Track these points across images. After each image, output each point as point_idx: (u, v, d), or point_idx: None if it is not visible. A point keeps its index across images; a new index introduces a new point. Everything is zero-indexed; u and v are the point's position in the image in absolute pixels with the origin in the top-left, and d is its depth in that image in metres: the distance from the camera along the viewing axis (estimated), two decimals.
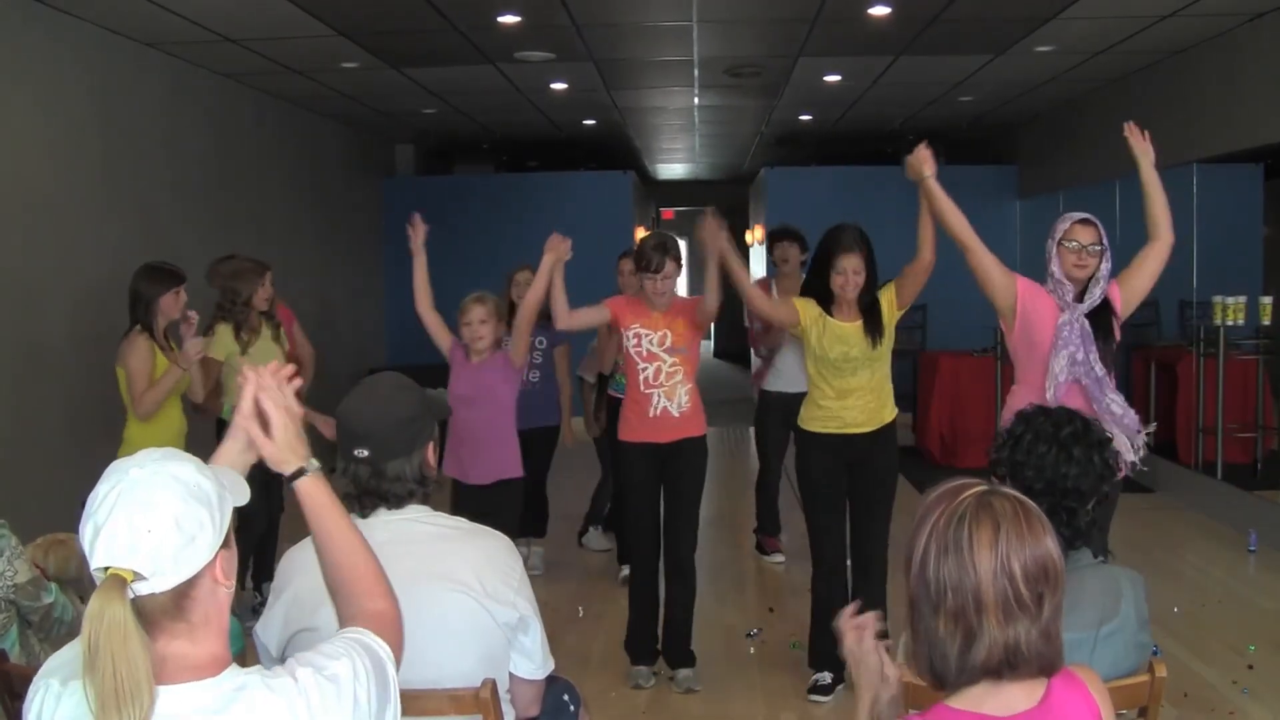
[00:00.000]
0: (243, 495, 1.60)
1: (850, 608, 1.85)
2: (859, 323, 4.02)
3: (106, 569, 1.38)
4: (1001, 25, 6.52)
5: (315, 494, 1.74)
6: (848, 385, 4.06)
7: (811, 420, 4.17)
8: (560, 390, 5.75)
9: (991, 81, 8.24)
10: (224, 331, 4.87)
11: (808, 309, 4.07)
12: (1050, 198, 9.77)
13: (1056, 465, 2.23)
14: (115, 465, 1.47)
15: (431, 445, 2.18)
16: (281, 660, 2.05)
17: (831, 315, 4.04)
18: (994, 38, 6.86)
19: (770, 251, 5.89)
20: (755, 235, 13.43)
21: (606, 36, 6.83)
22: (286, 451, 1.75)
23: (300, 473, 1.74)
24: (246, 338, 4.89)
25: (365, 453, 2.09)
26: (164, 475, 1.44)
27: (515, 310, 5.41)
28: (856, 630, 1.81)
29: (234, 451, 1.76)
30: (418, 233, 4.47)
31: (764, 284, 5.93)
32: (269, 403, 1.76)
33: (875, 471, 4.15)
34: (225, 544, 1.48)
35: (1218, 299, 6.75)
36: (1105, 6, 6.04)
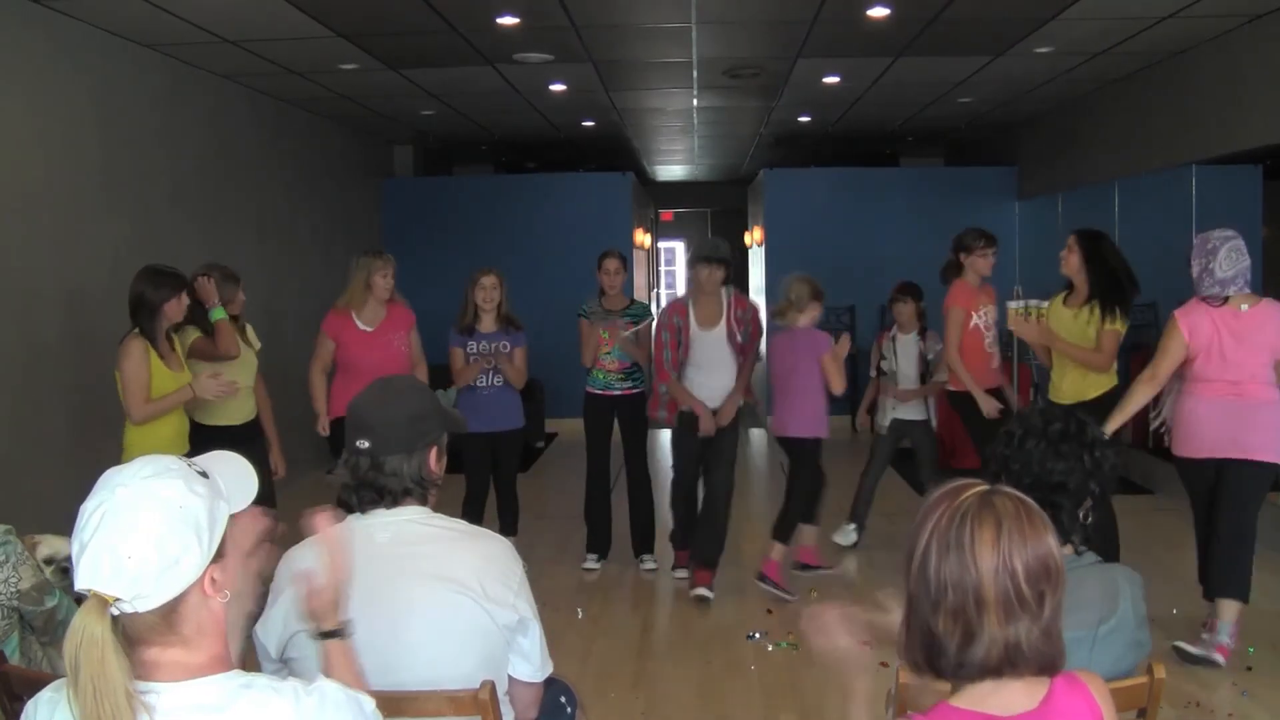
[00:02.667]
0: (247, 494, 1.59)
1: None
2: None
3: (89, 590, 1.38)
4: (1001, 26, 6.52)
5: (344, 658, 1.86)
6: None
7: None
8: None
9: (991, 82, 8.24)
10: (192, 335, 4.83)
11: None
12: (1050, 199, 9.77)
13: (1043, 461, 2.24)
14: (106, 477, 1.45)
15: (436, 450, 2.17)
16: (282, 661, 2.05)
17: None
18: (993, 38, 6.86)
19: (693, 268, 5.42)
20: (754, 237, 13.41)
21: (605, 38, 6.82)
22: (330, 611, 1.87)
23: (335, 634, 1.86)
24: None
25: (366, 444, 2.10)
26: (150, 496, 1.41)
27: (476, 312, 5.51)
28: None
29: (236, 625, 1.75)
30: None
31: (679, 306, 5.44)
32: (337, 568, 1.89)
33: None
34: (218, 557, 1.46)
35: None
36: (1105, 7, 6.04)
